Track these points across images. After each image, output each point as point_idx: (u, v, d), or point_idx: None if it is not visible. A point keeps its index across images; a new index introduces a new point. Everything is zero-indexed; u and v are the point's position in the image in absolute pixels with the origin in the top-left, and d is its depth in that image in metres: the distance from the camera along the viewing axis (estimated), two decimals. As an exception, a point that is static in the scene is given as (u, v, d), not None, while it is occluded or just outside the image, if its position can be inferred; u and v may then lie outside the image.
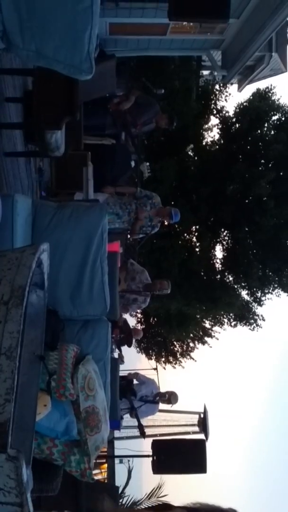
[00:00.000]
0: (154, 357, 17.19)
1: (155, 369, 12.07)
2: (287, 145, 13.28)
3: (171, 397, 7.41)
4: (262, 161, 13.85)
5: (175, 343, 17.30)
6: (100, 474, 10.13)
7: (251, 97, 14.61)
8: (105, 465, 10.20)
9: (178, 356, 17.33)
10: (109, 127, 7.19)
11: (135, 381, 7.46)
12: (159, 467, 7.22)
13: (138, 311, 12.50)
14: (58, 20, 2.89)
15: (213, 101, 14.88)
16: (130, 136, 7.26)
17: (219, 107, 14.87)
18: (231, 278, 15.21)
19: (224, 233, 15.09)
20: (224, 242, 15.26)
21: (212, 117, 15.10)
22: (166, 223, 7.04)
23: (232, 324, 15.86)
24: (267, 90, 14.41)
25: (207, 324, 16.53)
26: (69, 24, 2.88)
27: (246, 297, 15.46)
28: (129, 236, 6.94)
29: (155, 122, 7.37)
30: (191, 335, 16.76)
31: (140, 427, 6.93)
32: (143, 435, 7.21)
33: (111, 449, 9.55)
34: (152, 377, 8.21)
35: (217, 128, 15.06)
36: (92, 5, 2.82)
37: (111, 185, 6.84)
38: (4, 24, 2.91)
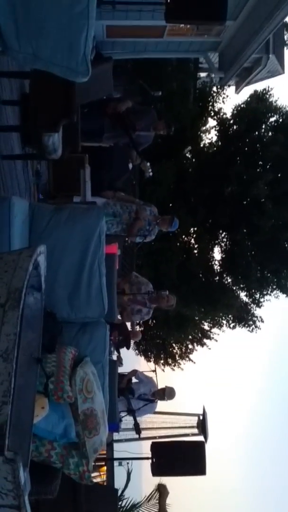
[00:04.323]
0: (153, 359, 17.19)
1: (154, 371, 12.07)
2: (284, 146, 13.30)
3: (166, 391, 7.37)
4: (260, 162, 13.88)
5: (173, 345, 17.30)
6: (99, 477, 10.13)
7: (249, 99, 14.65)
8: (104, 468, 10.20)
9: (177, 358, 17.33)
10: (108, 129, 7.12)
11: (134, 379, 7.44)
12: (158, 469, 7.23)
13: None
14: (54, 23, 2.90)
15: (210, 103, 14.92)
16: (130, 138, 7.18)
17: (216, 109, 14.92)
18: (229, 280, 15.23)
19: (222, 235, 15.11)
20: (223, 244, 15.28)
21: (209, 119, 15.14)
22: (164, 230, 6.97)
23: (231, 325, 15.87)
24: (264, 91, 14.46)
25: (205, 326, 16.54)
26: (65, 27, 2.89)
27: (245, 299, 15.47)
28: (126, 238, 6.92)
29: (153, 130, 7.30)
30: (190, 337, 16.77)
31: (136, 426, 6.92)
32: (138, 433, 7.20)
33: (110, 451, 9.55)
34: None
35: (215, 130, 15.11)
36: (88, 8, 2.83)
37: (110, 189, 6.81)
38: (0, 27, 2.92)
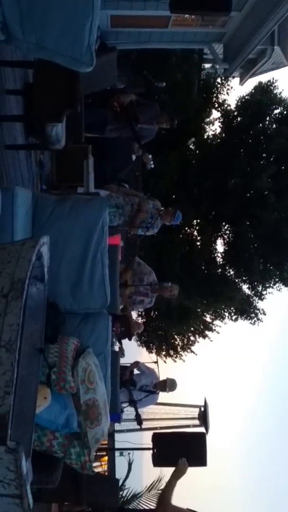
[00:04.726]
0: (155, 350, 17.23)
1: (156, 362, 12.09)
2: (288, 139, 13.24)
3: (167, 383, 7.41)
4: (264, 155, 13.82)
5: (175, 336, 17.32)
6: (100, 467, 10.18)
7: (253, 91, 14.56)
8: (106, 458, 10.24)
9: (179, 349, 17.36)
10: (111, 121, 7.11)
11: (135, 371, 7.47)
12: (159, 460, 7.24)
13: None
14: (59, 12, 2.88)
15: (214, 95, 14.83)
16: (133, 132, 7.17)
17: (220, 101, 14.82)
18: (232, 272, 15.22)
19: (225, 227, 15.08)
20: (225, 236, 15.26)
21: (213, 111, 15.06)
22: (167, 223, 6.95)
23: (233, 318, 15.88)
24: (269, 83, 14.36)
25: (207, 318, 16.55)
26: (69, 16, 2.87)
27: (247, 291, 15.47)
28: (128, 229, 6.90)
29: (156, 123, 7.29)
30: (192, 329, 16.79)
31: (138, 417, 6.95)
32: (140, 424, 7.23)
33: (111, 441, 9.59)
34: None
35: (219, 122, 15.03)
36: (93, -3, 2.81)
37: (113, 180, 6.81)
38: (5, 15, 2.90)
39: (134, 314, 7.42)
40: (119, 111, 6.91)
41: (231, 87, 14.89)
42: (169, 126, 7.44)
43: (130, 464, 9.52)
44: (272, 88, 14.29)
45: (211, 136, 15.21)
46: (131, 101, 6.87)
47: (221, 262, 15.34)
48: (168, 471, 9.19)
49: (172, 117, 7.35)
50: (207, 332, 16.72)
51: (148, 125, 7.17)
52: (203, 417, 9.08)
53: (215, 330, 16.56)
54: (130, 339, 7.48)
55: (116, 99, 6.84)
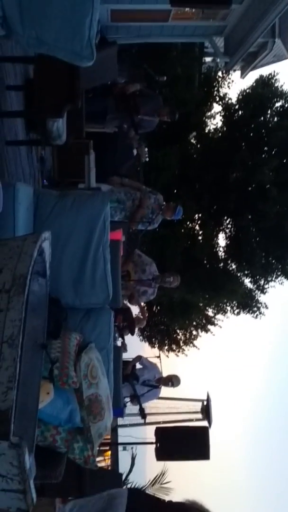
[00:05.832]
0: (157, 345, 17.24)
1: (158, 357, 12.10)
2: (290, 132, 13.20)
3: (173, 380, 7.43)
4: (265, 148, 13.78)
5: (178, 331, 17.33)
6: (103, 461, 10.21)
7: (254, 84, 14.50)
8: (109, 452, 10.27)
9: (181, 344, 17.37)
10: (111, 110, 7.08)
11: (138, 365, 7.49)
12: (162, 454, 7.27)
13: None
14: (59, 6, 2.87)
15: (215, 88, 14.78)
16: (132, 121, 7.14)
17: (221, 94, 14.77)
18: (234, 266, 15.21)
19: (227, 221, 15.06)
20: (227, 230, 15.24)
21: (214, 104, 15.01)
22: (168, 218, 6.94)
23: (235, 312, 15.88)
24: (270, 76, 14.30)
25: (210, 312, 16.55)
26: (69, 11, 2.86)
27: (249, 285, 15.46)
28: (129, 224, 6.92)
29: (157, 116, 7.28)
30: (194, 323, 16.79)
31: (141, 411, 6.98)
32: (144, 418, 7.25)
33: (114, 436, 9.61)
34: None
35: (220, 116, 14.99)
36: (93, -9, 2.80)
37: (117, 175, 6.81)
38: (4, 10, 2.89)
39: (136, 309, 7.41)
40: (120, 99, 6.90)
41: (232, 81, 14.85)
42: (169, 119, 7.44)
43: (133, 459, 9.56)
44: (273, 81, 14.23)
45: (212, 130, 15.17)
46: (134, 91, 6.87)
47: (223, 256, 15.33)
48: (171, 465, 9.24)
49: (173, 110, 7.35)
50: (209, 326, 16.73)
51: (149, 117, 7.17)
52: (206, 411, 9.09)
53: (217, 324, 16.57)
54: (132, 334, 7.50)
55: (121, 87, 6.83)
